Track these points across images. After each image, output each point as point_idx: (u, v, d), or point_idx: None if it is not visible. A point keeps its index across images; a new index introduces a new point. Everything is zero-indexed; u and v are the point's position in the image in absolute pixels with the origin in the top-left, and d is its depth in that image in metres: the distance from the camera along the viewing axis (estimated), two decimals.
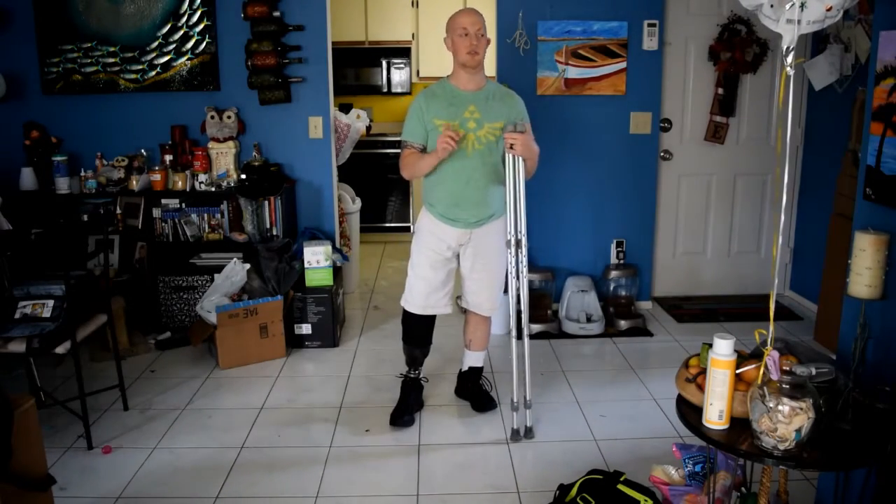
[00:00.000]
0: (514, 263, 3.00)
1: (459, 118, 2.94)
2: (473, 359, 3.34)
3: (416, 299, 3.12)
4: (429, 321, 3.19)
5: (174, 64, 4.29)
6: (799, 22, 1.74)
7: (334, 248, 4.24)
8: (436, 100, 2.97)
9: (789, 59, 1.77)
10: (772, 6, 1.77)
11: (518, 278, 3.00)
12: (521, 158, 2.90)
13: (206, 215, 4.25)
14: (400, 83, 6.64)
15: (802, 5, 1.72)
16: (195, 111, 4.32)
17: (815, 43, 4.40)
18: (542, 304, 4.43)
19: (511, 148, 2.86)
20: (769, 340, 1.79)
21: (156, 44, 4.27)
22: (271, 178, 4.23)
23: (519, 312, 3.05)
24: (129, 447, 3.00)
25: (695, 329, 4.34)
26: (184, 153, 4.31)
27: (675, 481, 2.24)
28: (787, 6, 1.73)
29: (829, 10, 1.71)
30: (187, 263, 4.27)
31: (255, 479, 2.76)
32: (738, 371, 1.85)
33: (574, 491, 2.37)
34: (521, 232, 2.98)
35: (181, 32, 4.25)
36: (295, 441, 3.06)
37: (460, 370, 3.43)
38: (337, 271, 4.23)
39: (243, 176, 4.21)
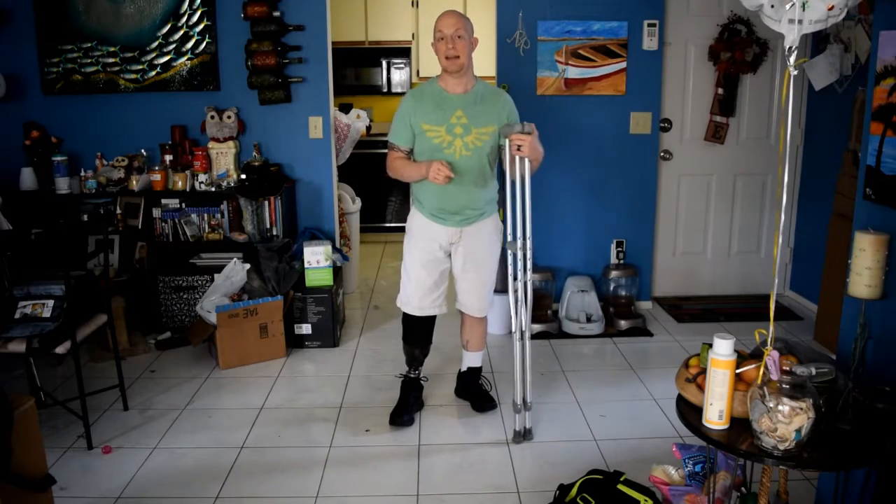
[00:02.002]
0: (520, 266, 2.94)
1: (446, 123, 2.91)
2: (472, 359, 3.34)
3: (412, 300, 3.11)
4: (429, 321, 3.18)
5: (174, 64, 4.29)
6: (801, 22, 1.73)
7: (334, 248, 4.24)
8: (423, 102, 2.94)
9: (792, 59, 1.76)
10: (772, 6, 1.77)
11: (523, 279, 2.97)
12: (526, 160, 2.87)
13: (206, 215, 4.25)
14: (400, 83, 6.64)
15: (804, 5, 1.71)
16: (195, 111, 4.32)
17: (816, 43, 4.40)
18: (542, 304, 4.43)
19: (518, 150, 2.81)
20: (769, 340, 1.79)
21: (156, 44, 4.27)
22: (271, 178, 4.23)
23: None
24: (129, 447, 3.00)
25: (695, 329, 4.34)
26: (184, 153, 4.31)
27: (675, 481, 2.24)
28: (787, 6, 1.72)
29: (830, 9, 1.71)
30: (187, 263, 4.27)
31: (255, 479, 2.77)
32: (738, 371, 1.85)
33: (574, 491, 2.37)
34: (527, 235, 2.92)
35: (181, 32, 4.25)
36: (295, 441, 3.06)
37: (459, 370, 3.43)
38: (337, 271, 4.23)
39: (243, 176, 4.21)
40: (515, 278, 2.97)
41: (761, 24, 1.84)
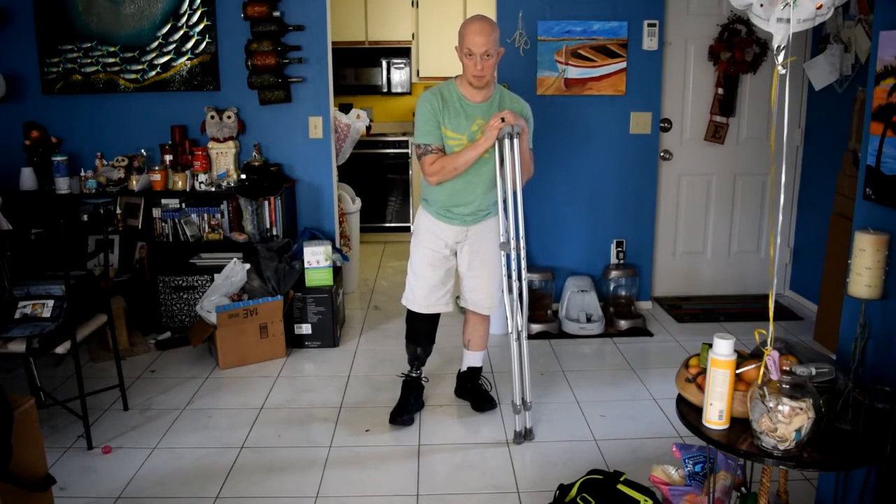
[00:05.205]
0: (514, 266, 2.95)
1: (468, 132, 2.89)
2: (472, 359, 3.34)
3: (418, 298, 3.12)
4: (433, 319, 3.18)
5: (174, 64, 4.29)
6: (789, 21, 1.73)
7: (334, 248, 4.24)
8: (446, 106, 2.90)
9: (780, 58, 1.76)
10: (761, 5, 1.77)
11: (520, 280, 2.97)
12: (517, 149, 2.82)
13: (206, 215, 4.25)
14: (400, 83, 6.64)
15: (793, 3, 1.71)
16: (195, 111, 4.32)
17: (815, 43, 4.40)
18: (542, 304, 4.43)
19: (502, 121, 2.78)
20: (769, 340, 1.79)
21: (156, 44, 4.27)
22: (271, 178, 4.23)
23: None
24: (129, 447, 3.00)
25: (695, 329, 4.34)
26: (184, 153, 4.31)
27: (675, 481, 2.24)
28: (781, 6, 1.72)
29: (819, 7, 1.71)
30: (187, 263, 4.27)
31: (255, 479, 2.76)
32: (738, 371, 1.85)
33: (574, 491, 2.37)
34: (520, 235, 2.91)
35: (181, 32, 4.25)
36: (295, 441, 3.06)
37: (459, 370, 3.43)
38: (337, 271, 4.23)
39: (243, 176, 4.21)
40: (510, 278, 2.97)
41: None
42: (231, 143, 4.30)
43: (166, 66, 4.29)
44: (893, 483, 1.89)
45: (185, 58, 4.28)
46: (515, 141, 2.82)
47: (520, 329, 2.98)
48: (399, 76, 6.63)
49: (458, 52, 2.88)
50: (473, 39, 2.78)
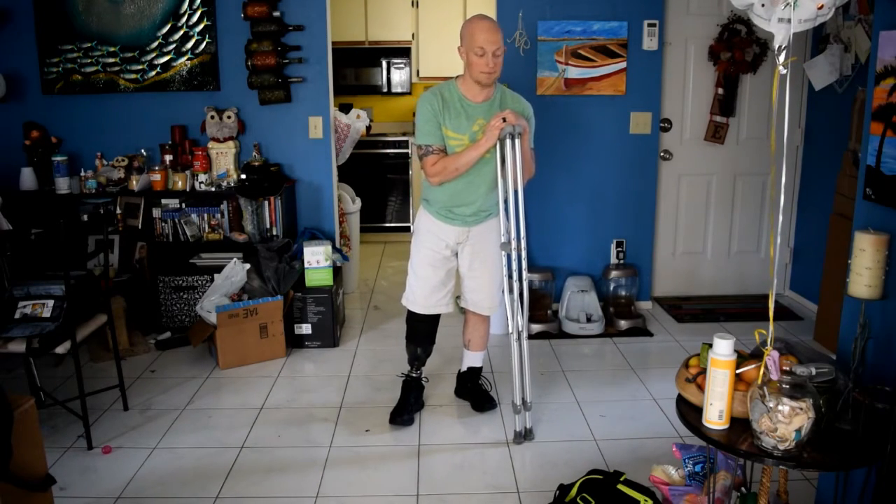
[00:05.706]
0: (515, 266, 2.96)
1: (469, 132, 2.89)
2: (473, 359, 3.34)
3: (418, 299, 3.11)
4: (434, 319, 3.18)
5: (174, 64, 4.29)
6: (790, 20, 1.73)
7: (334, 248, 4.24)
8: (447, 106, 2.89)
9: (781, 58, 1.76)
10: (763, 5, 1.77)
11: (520, 280, 2.97)
12: (518, 149, 2.82)
13: (206, 215, 4.25)
14: (400, 83, 6.64)
15: (794, 3, 1.71)
16: (195, 111, 4.32)
17: (815, 43, 4.40)
18: (542, 304, 4.43)
19: (504, 121, 2.77)
20: (769, 340, 1.79)
21: (156, 44, 4.27)
22: (271, 178, 4.23)
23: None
24: (129, 447, 3.00)
25: (695, 329, 4.34)
26: (184, 153, 4.31)
27: (675, 481, 2.24)
28: (783, 6, 1.72)
29: (820, 8, 1.71)
30: (187, 263, 4.27)
31: (255, 479, 2.77)
32: (738, 371, 1.85)
33: (574, 491, 2.37)
34: (521, 235, 2.91)
35: (181, 32, 4.25)
36: (295, 441, 3.06)
37: (459, 370, 3.43)
38: (337, 271, 4.23)
39: (243, 176, 4.21)
40: (511, 278, 2.97)
41: None
42: (231, 143, 4.30)
43: (166, 66, 4.30)
44: (893, 483, 1.89)
45: (185, 58, 4.28)
46: (517, 141, 2.82)
47: (520, 329, 2.98)
48: (399, 76, 6.63)
49: (461, 52, 2.88)
50: (486, 37, 2.78)
